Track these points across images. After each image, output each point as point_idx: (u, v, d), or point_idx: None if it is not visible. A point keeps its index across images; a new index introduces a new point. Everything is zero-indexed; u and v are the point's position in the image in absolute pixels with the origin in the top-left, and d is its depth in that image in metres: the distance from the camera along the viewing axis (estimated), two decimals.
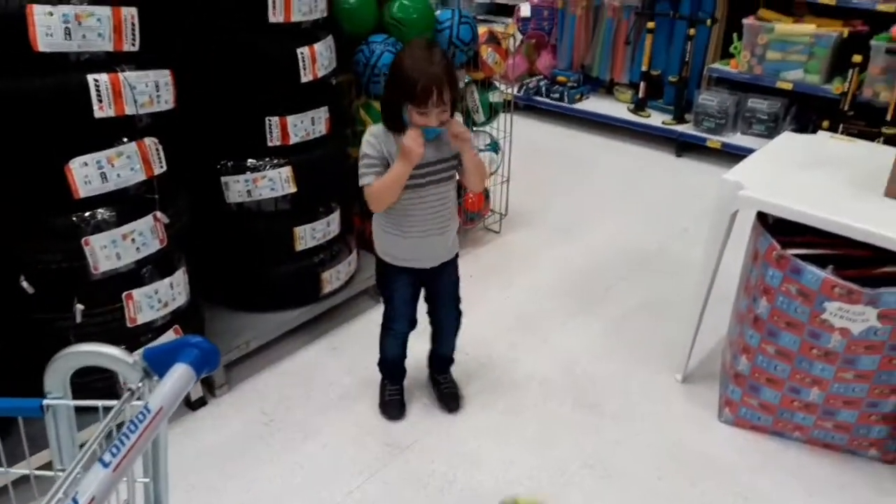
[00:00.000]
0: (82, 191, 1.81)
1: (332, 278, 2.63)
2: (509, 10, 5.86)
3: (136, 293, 2.00)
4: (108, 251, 1.89)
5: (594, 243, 3.41)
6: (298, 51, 2.25)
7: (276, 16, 2.18)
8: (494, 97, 3.18)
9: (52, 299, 1.90)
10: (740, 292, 2.28)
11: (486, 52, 3.03)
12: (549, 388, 2.45)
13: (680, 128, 4.47)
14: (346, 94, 2.74)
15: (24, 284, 1.83)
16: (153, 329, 2.09)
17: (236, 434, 2.26)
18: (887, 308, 1.86)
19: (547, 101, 5.04)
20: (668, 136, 4.51)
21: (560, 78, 5.05)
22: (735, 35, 4.22)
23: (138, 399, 0.98)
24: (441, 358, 2.38)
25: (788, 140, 2.51)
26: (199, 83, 2.16)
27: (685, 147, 4.49)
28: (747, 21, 4.08)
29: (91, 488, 0.79)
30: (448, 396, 2.36)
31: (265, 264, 2.51)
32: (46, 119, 1.75)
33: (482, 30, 3.05)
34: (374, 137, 1.95)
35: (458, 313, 2.28)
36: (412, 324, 2.23)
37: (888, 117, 3.66)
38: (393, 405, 2.34)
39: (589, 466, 2.14)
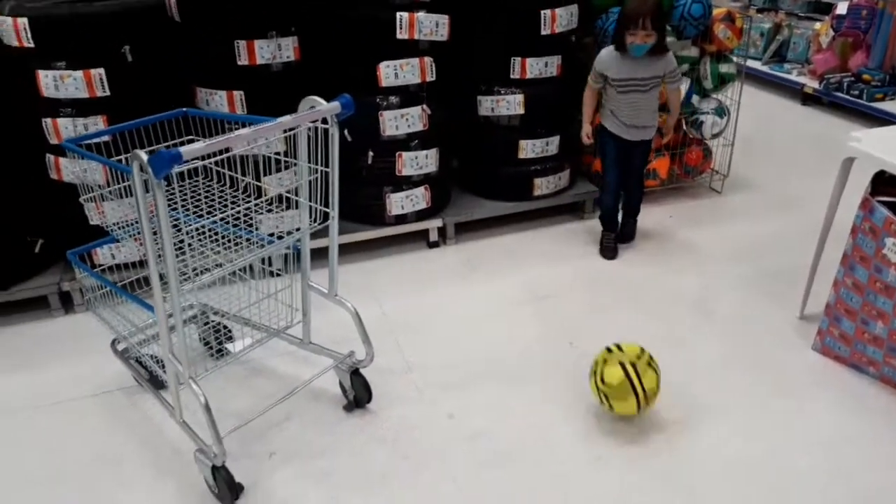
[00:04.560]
0: (384, 82, 3.05)
1: (543, 185, 3.56)
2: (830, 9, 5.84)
3: (405, 154, 3.21)
4: (392, 123, 3.12)
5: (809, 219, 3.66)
6: (542, 12, 3.20)
7: None
8: (724, 68, 3.66)
9: (358, 147, 3.20)
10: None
11: (720, 28, 3.55)
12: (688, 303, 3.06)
13: None
14: (587, 50, 3.57)
15: (345, 132, 3.15)
16: (411, 182, 3.28)
17: (448, 267, 3.36)
18: None
19: (845, 97, 5.07)
20: None
21: (865, 76, 5.02)
22: None
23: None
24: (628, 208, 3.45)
25: None
26: (469, 28, 3.25)
27: None
28: None
29: None
30: (625, 233, 3.45)
31: (497, 164, 3.54)
32: (369, 36, 3.02)
33: (721, 9, 3.57)
34: (600, 59, 3.07)
35: (643, 183, 3.42)
36: (620, 180, 3.26)
37: None
38: (608, 249, 3.34)
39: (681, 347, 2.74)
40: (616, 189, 3.31)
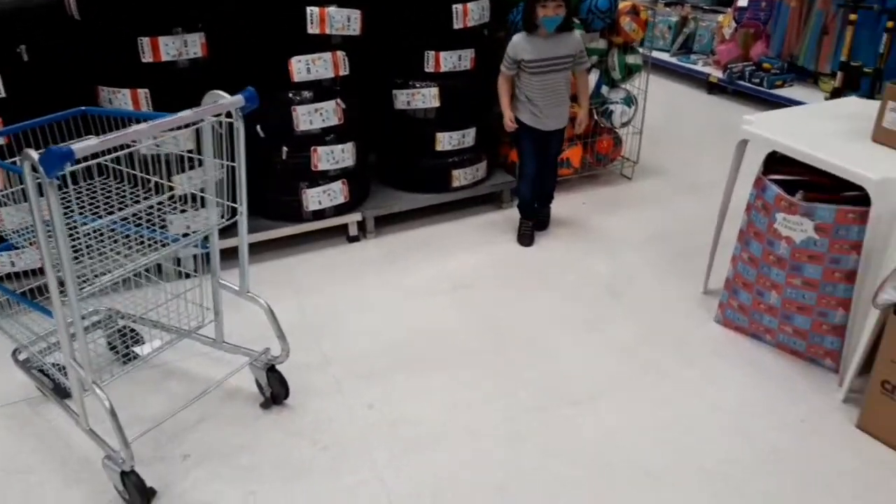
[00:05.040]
0: (296, 77, 3.04)
1: (461, 177, 3.61)
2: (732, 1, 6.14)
3: (320, 149, 3.20)
4: (306, 118, 3.10)
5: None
6: (454, 6, 3.24)
7: None
8: (631, 59, 3.80)
9: (271, 143, 3.17)
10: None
11: (625, 21, 3.68)
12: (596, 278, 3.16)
13: None
14: (500, 43, 3.63)
15: (258, 128, 3.12)
16: (328, 177, 3.28)
17: (368, 261, 3.37)
18: (821, 221, 2.25)
19: (748, 84, 5.33)
20: None
21: (765, 65, 5.29)
22: None
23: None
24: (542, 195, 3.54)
25: (837, 102, 2.83)
26: (382, 22, 3.27)
27: None
28: None
29: None
30: (541, 222, 3.56)
31: (415, 156, 3.57)
32: (280, 31, 2.99)
33: (627, 3, 3.71)
34: (512, 44, 3.13)
35: (556, 171, 3.53)
36: (537, 170, 3.34)
37: None
38: (525, 237, 3.44)
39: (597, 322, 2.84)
40: (533, 179, 3.39)
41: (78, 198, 2.20)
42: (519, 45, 3.11)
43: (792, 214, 2.30)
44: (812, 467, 2.14)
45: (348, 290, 3.13)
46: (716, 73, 5.61)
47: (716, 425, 2.31)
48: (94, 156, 1.69)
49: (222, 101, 1.92)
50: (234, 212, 2.15)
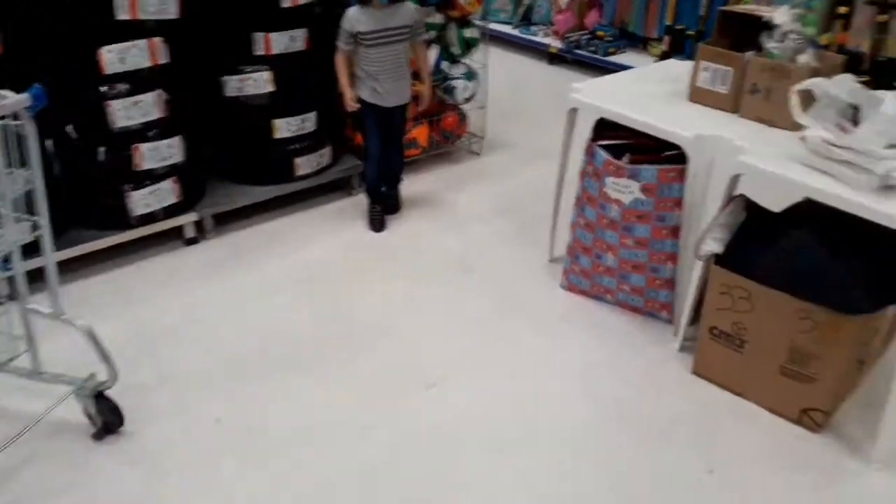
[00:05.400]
0: (108, 69, 2.77)
1: (304, 165, 3.47)
2: None
3: (143, 146, 2.95)
4: (123, 113, 2.85)
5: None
6: None
7: None
8: (469, 33, 3.80)
9: (87, 144, 2.89)
10: None
11: None
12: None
13: None
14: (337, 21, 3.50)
15: (69, 129, 2.83)
16: (154, 175, 3.04)
17: (209, 263, 3.15)
18: (646, 182, 2.35)
19: (584, 53, 5.51)
20: None
21: (599, 33, 5.49)
22: None
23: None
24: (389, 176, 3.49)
25: (662, 65, 2.96)
26: (204, 4, 3.04)
27: None
28: None
29: None
30: (390, 205, 3.50)
31: (252, 146, 3.40)
32: (85, 19, 2.71)
33: None
34: (347, 18, 3.02)
35: (402, 150, 3.46)
36: (383, 150, 3.27)
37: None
38: (376, 222, 3.38)
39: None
40: (380, 160, 3.32)
41: None
42: (354, 17, 3.02)
43: (620, 178, 2.38)
44: (652, 416, 2.26)
45: (186, 297, 2.91)
46: (556, 44, 5.75)
47: (564, 389, 2.38)
48: None
49: (4, 102, 1.69)
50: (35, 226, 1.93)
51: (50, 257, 2.01)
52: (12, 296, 2.09)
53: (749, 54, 2.25)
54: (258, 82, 3.21)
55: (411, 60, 3.24)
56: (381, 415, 2.28)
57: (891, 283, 1.96)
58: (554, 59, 5.84)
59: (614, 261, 2.57)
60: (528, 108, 4.94)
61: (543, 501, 1.99)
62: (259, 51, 3.17)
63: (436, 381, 2.41)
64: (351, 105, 3.17)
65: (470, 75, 3.88)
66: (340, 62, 3.14)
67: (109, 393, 2.18)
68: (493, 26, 6.37)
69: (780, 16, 2.13)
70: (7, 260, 1.97)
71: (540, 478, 2.05)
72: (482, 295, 2.88)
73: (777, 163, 1.96)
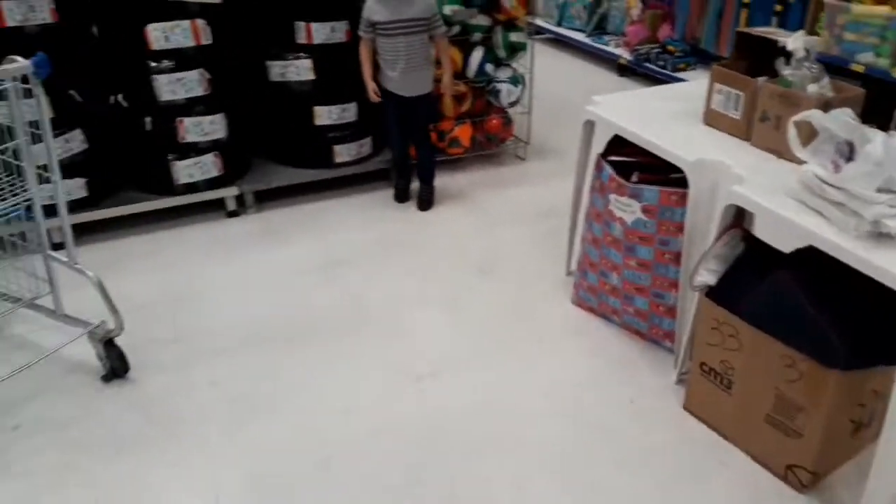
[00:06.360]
0: (154, 45, 2.96)
1: (344, 153, 3.59)
2: None
3: (187, 120, 3.13)
4: (168, 87, 3.03)
5: None
6: None
7: None
8: (514, 37, 3.80)
9: (136, 113, 3.10)
10: None
11: None
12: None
13: None
14: None
15: (120, 98, 3.04)
16: (197, 149, 3.22)
17: (245, 236, 3.33)
18: (647, 203, 2.31)
19: (653, 67, 5.39)
20: None
21: (669, 47, 5.36)
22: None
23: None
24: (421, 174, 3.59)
25: (690, 84, 2.89)
26: None
27: None
28: (829, 0, 4.11)
29: None
30: (423, 200, 3.57)
31: (294, 131, 3.53)
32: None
33: None
34: (365, 7, 3.12)
35: (430, 147, 3.56)
36: (403, 136, 3.44)
37: None
38: (399, 193, 3.58)
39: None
40: (400, 144, 3.48)
41: None
42: (371, 7, 3.12)
43: (622, 196, 2.35)
44: (631, 444, 2.20)
45: (217, 265, 3.09)
46: (625, 56, 5.66)
47: (546, 401, 2.37)
48: None
49: (5, 67, 1.86)
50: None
51: (64, 212, 2.19)
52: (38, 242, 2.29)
53: (761, 80, 2.17)
54: (300, 69, 3.34)
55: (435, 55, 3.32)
56: (364, 401, 2.35)
57: (888, 340, 1.85)
58: (623, 70, 5.74)
59: (618, 280, 2.53)
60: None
61: None
62: (301, 39, 3.30)
63: (425, 375, 2.46)
64: (373, 97, 3.27)
65: (516, 80, 3.88)
66: (363, 51, 3.24)
67: (119, 342, 2.37)
68: (566, 33, 6.38)
69: (794, 42, 2.04)
70: (30, 210, 2.16)
71: (501, 487, 2.06)
72: (492, 299, 2.90)
73: (772, 197, 1.88)
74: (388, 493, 2.03)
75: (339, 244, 3.26)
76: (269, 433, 2.22)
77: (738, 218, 2.15)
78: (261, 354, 2.56)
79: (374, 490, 2.03)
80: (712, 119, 2.36)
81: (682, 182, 2.25)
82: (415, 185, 3.64)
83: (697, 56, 5.31)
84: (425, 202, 3.58)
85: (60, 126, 2.88)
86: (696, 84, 2.80)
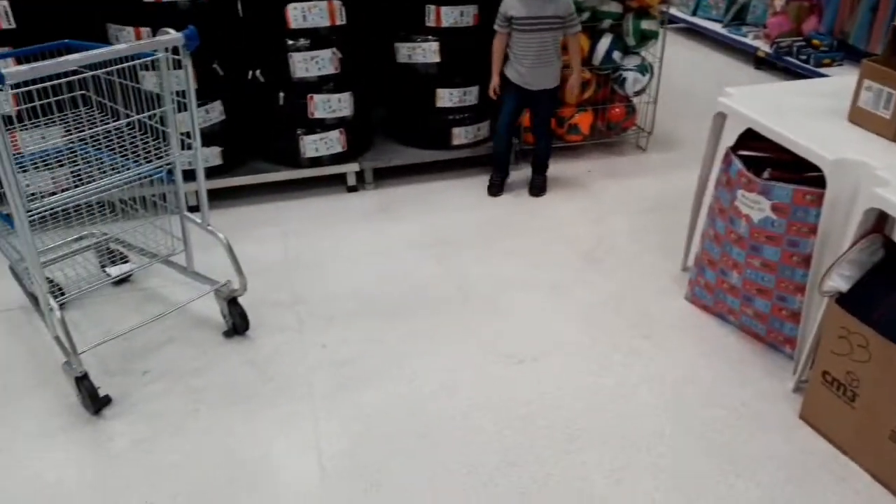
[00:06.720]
0: (292, 24, 3.10)
1: (462, 135, 3.62)
2: None
3: (317, 97, 3.27)
4: (302, 65, 3.17)
5: None
6: None
7: None
8: (646, 25, 3.68)
9: (270, 88, 3.27)
10: None
11: None
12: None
13: None
14: None
15: (257, 74, 3.22)
16: (324, 125, 3.35)
17: (361, 211, 3.45)
18: (779, 201, 2.18)
19: (794, 61, 5.06)
20: None
21: (814, 41, 5.01)
22: None
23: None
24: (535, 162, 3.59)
25: (833, 79, 2.68)
26: None
27: None
28: None
29: None
30: (534, 187, 3.56)
31: (416, 111, 3.60)
32: None
33: None
34: (503, 2, 3.14)
35: (549, 137, 3.50)
36: (510, 129, 3.43)
37: None
38: (493, 187, 3.53)
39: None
40: (507, 136, 3.47)
41: (64, 124, 2.38)
42: (509, 2, 3.12)
43: (750, 192, 2.23)
44: (739, 449, 2.11)
45: (336, 236, 3.22)
46: (764, 48, 5.34)
47: (650, 397, 2.30)
48: (43, 81, 1.81)
49: (159, 38, 2.01)
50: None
51: (201, 176, 2.35)
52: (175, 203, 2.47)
53: None
54: (426, 52, 3.39)
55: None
56: (463, 379, 2.38)
57: None
58: (761, 63, 5.43)
59: (738, 279, 2.41)
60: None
61: (591, 501, 1.97)
62: (430, 22, 3.35)
63: (527, 358, 2.46)
64: (492, 94, 3.30)
65: (643, 68, 3.76)
66: (497, 45, 3.24)
67: (242, 301, 2.52)
68: (701, 22, 6.10)
69: None
70: (171, 173, 2.34)
71: (598, 477, 2.03)
72: (601, 288, 2.85)
73: None
74: (481, 470, 2.04)
75: (450, 224, 3.31)
76: (371, 398, 2.30)
77: (880, 222, 1.99)
78: (368, 323, 2.65)
79: (467, 465, 2.06)
80: (858, 117, 2.19)
81: (817, 181, 2.11)
82: (512, 178, 3.64)
83: (844, 52, 4.93)
84: (537, 189, 3.55)
85: (203, 97, 3.09)
86: (840, 80, 2.62)
